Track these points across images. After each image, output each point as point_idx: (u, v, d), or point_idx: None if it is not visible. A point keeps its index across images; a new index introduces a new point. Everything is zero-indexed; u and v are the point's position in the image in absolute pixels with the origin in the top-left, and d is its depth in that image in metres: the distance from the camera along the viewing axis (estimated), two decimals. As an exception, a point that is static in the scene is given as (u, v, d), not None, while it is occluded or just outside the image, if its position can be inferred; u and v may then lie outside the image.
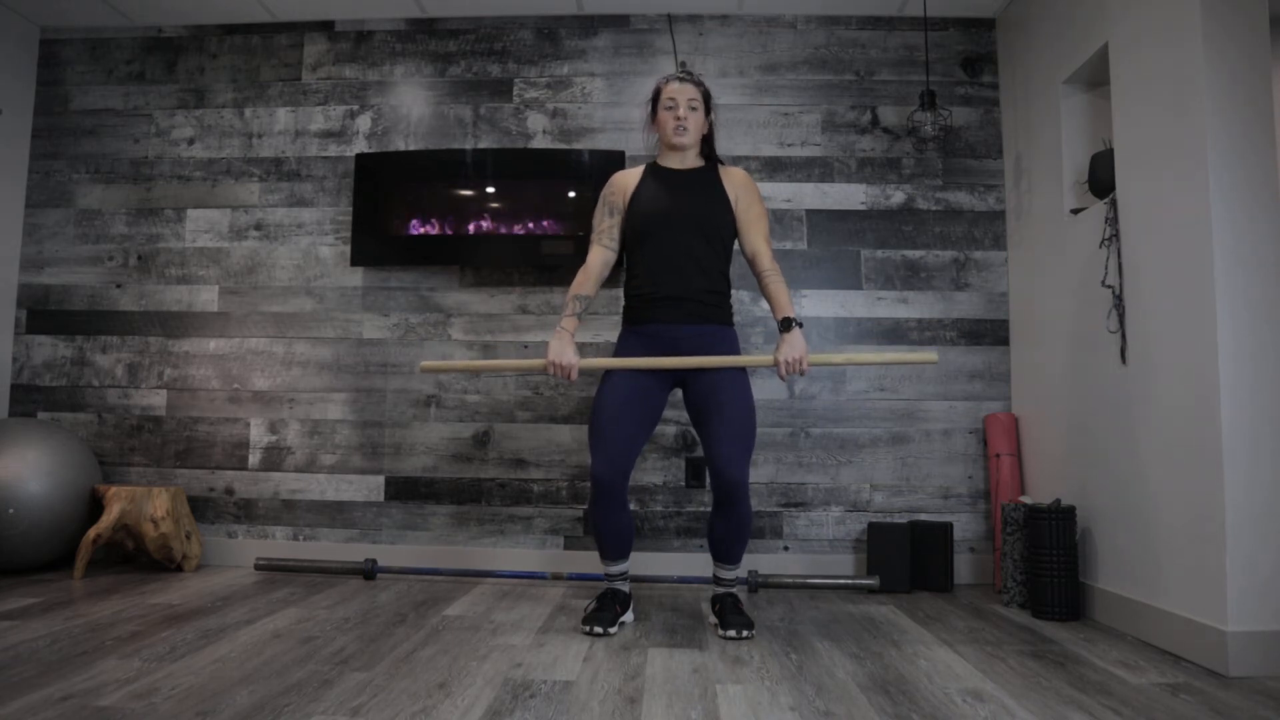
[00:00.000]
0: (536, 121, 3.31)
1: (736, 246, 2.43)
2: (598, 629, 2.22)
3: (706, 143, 2.47)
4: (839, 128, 3.25)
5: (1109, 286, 2.44)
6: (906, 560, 2.89)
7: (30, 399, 3.35)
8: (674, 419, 3.15)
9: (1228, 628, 1.93)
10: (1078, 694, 1.77)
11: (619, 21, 3.33)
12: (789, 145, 3.25)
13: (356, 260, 3.19)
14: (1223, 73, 2.06)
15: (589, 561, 3.08)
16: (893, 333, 3.17)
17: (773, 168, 3.24)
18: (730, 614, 2.25)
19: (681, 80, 2.39)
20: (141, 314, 3.35)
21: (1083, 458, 2.62)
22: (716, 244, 2.35)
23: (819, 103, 3.26)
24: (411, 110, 3.35)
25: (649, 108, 2.46)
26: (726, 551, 2.34)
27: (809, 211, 3.21)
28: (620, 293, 3.16)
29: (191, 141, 3.41)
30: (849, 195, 3.22)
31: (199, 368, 3.31)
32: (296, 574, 3.04)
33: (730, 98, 3.27)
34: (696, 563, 3.06)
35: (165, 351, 3.32)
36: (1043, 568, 2.51)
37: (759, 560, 3.07)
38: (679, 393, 3.03)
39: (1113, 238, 2.43)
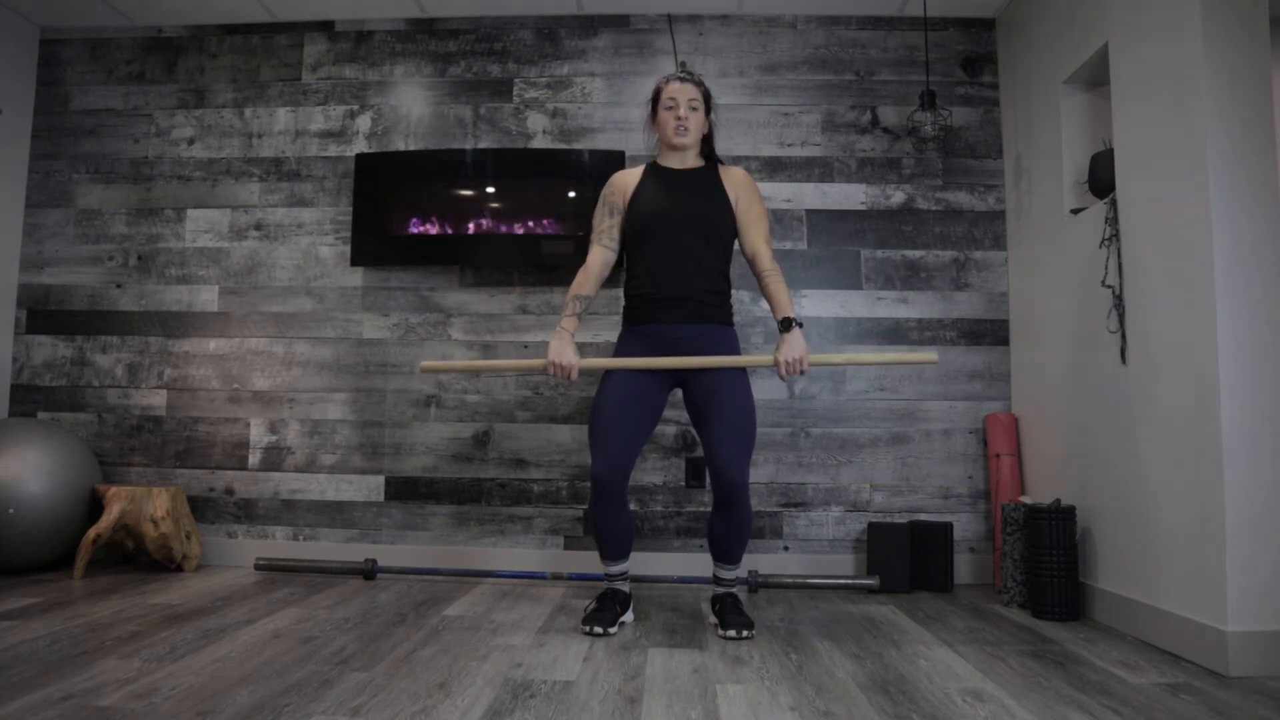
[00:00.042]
0: (536, 121, 3.31)
1: (736, 246, 2.43)
2: (598, 629, 2.22)
3: (706, 143, 2.46)
4: (839, 128, 3.25)
5: (1109, 286, 2.44)
6: (906, 560, 2.89)
7: (30, 399, 3.35)
8: (674, 419, 3.15)
9: (1228, 628, 1.93)
10: (1078, 694, 1.77)
11: (619, 21, 3.33)
12: (789, 145, 3.25)
13: (356, 260, 3.19)
14: (1223, 73, 2.06)
15: (589, 561, 3.08)
16: (893, 333, 3.17)
17: (773, 168, 3.24)
18: (730, 614, 2.25)
19: (682, 80, 2.39)
20: (141, 314, 3.35)
21: (1083, 458, 2.62)
22: (716, 244, 2.35)
23: (819, 103, 3.26)
24: (411, 110, 3.35)
25: (649, 108, 2.46)
26: (726, 551, 2.34)
27: (809, 211, 3.21)
28: (620, 293, 3.16)
29: (191, 141, 3.41)
30: (849, 195, 3.22)
31: (199, 368, 3.31)
32: (296, 574, 3.05)
33: (730, 98, 3.27)
34: (696, 563, 3.06)
35: (165, 351, 3.32)
36: (1043, 568, 2.51)
37: (759, 560, 3.07)
38: (679, 393, 3.03)
39: (1113, 238, 2.43)
